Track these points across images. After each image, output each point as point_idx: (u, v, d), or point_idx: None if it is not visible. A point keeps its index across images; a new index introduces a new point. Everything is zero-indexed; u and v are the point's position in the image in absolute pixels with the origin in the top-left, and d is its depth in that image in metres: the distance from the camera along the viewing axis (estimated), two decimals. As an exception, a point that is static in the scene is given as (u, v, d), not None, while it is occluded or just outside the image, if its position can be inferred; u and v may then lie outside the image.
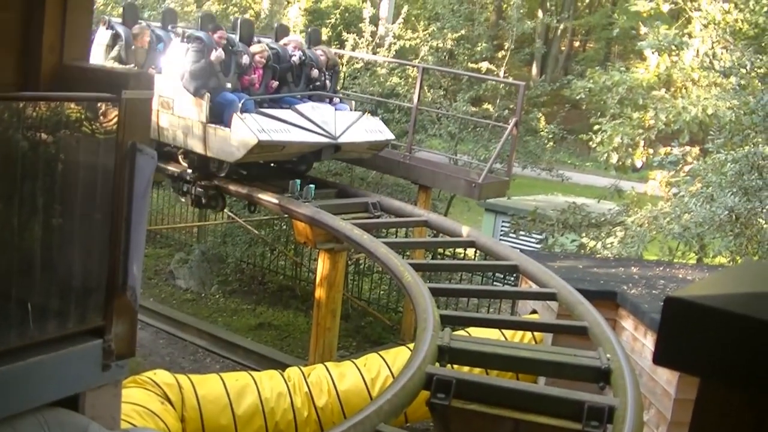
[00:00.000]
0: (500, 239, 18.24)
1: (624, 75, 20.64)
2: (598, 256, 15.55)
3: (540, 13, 31.24)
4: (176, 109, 13.83)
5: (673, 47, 18.83)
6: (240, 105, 12.93)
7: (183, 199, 15.48)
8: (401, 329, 16.19)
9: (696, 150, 18.48)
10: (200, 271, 19.53)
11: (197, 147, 13.70)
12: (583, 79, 21.75)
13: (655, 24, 19.73)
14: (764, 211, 14.26)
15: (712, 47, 17.81)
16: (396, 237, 16.04)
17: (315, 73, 14.98)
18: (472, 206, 22.75)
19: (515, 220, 18.22)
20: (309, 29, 17.52)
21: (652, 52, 19.59)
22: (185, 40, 13.87)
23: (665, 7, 22.04)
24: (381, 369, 10.77)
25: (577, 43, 38.02)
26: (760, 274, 1.53)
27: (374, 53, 22.19)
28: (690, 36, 19.30)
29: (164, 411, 9.24)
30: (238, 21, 15.40)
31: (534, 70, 34.82)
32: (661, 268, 12.93)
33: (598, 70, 22.03)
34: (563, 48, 35.46)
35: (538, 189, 26.13)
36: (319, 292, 13.27)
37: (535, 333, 11.30)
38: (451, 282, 16.96)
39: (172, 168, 14.74)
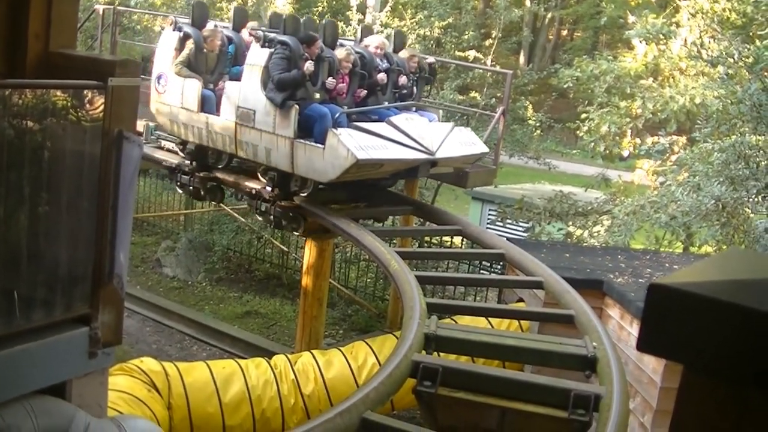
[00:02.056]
0: (487, 227, 18.22)
1: (611, 64, 20.67)
2: (584, 244, 15.59)
3: (527, 2, 31.22)
4: (258, 121, 12.22)
5: (661, 36, 18.85)
6: (333, 119, 11.66)
7: (260, 218, 13.92)
8: (388, 317, 16.19)
9: (683, 139, 18.52)
10: (187, 259, 19.51)
11: (282, 164, 12.12)
12: (570, 68, 21.77)
13: (643, 13, 19.77)
14: (751, 200, 14.31)
15: (700, 36, 17.82)
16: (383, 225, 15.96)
17: (403, 79, 13.39)
18: (459, 195, 22.79)
19: (502, 208, 18.23)
20: (393, 31, 15.83)
21: (640, 41, 19.63)
22: (267, 44, 12.32)
23: (653, -4, 22.08)
24: (367, 357, 10.81)
25: (564, 32, 38.05)
26: (745, 262, 1.54)
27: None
28: (678, 25, 19.33)
29: (151, 398, 9.25)
30: (324, 23, 13.74)
31: (521, 58, 34.87)
32: (648, 257, 12.98)
33: (586, 59, 22.05)
34: (551, 37, 35.50)
35: (526, 177, 26.16)
36: (306, 280, 13.26)
37: (522, 321, 11.33)
38: (437, 270, 16.97)
39: (249, 185, 13.15)
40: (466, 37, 25.69)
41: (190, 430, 9.74)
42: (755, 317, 1.22)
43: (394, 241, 15.35)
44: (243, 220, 19.42)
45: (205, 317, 16.57)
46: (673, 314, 1.28)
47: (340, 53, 12.56)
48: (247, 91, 12.34)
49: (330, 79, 12.25)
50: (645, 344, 1.32)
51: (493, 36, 28.59)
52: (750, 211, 14.53)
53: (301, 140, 11.68)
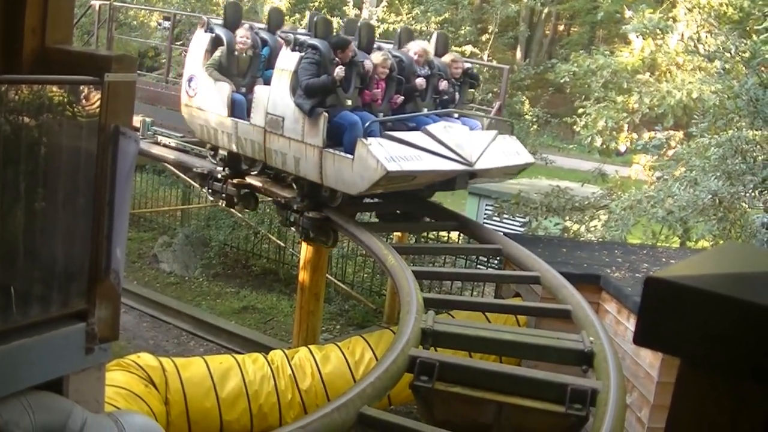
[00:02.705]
0: (484, 222, 18.21)
1: (608, 59, 20.67)
2: (581, 239, 15.61)
3: (524, -3, 31.19)
4: (287, 129, 11.60)
5: (658, 31, 18.85)
6: (364, 127, 10.97)
7: (293, 229, 13.35)
8: (385, 312, 16.21)
9: (680, 134, 18.54)
10: (184, 255, 19.51)
11: (311, 175, 11.49)
12: (567, 63, 21.77)
13: (640, 8, 19.73)
14: (747, 195, 14.33)
15: (697, 31, 17.84)
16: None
17: (444, 85, 12.57)
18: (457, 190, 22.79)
19: (499, 203, 18.21)
20: (436, 33, 14.78)
21: (637, 36, 19.62)
22: (297, 48, 11.65)
23: (650, -9, 22.09)
24: (364, 352, 10.81)
25: (561, 27, 38.06)
26: (741, 256, 1.54)
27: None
28: (675, 20, 19.32)
29: (148, 394, 9.26)
30: (359, 25, 13.16)
31: (518, 53, 34.88)
32: (645, 252, 13.00)
33: (583, 53, 22.04)
34: (547, 32, 35.52)
35: (522, 173, 26.16)
36: (303, 276, 13.27)
37: (519, 316, 11.33)
38: (434, 265, 16.97)
39: (279, 193, 12.68)
40: (462, 32, 25.76)
41: (188, 425, 9.74)
42: (752, 310, 1.22)
43: (391, 237, 15.36)
44: (240, 215, 19.41)
45: (202, 313, 16.58)
46: (669, 307, 1.28)
47: (376, 57, 11.84)
48: (276, 97, 11.78)
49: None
50: (642, 338, 1.32)
51: (490, 31, 28.65)
52: (747, 206, 14.55)
53: (330, 150, 11.05)
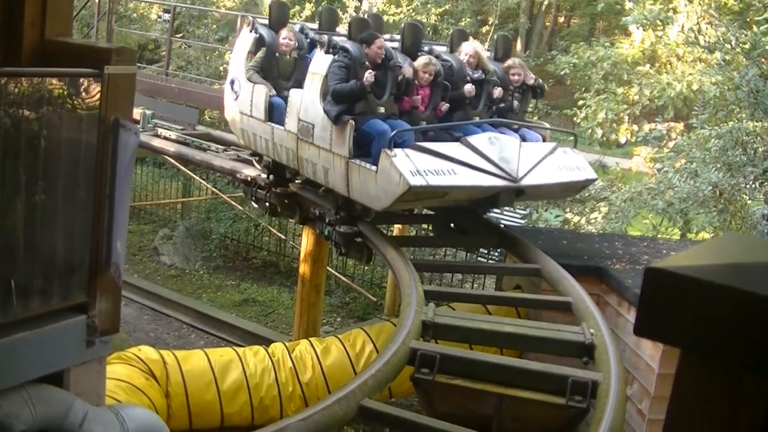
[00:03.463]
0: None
1: (609, 50, 20.70)
2: (582, 231, 15.61)
3: (525, -11, 31.18)
4: (316, 137, 10.84)
5: (658, 22, 18.87)
6: (390, 137, 9.85)
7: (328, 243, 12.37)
8: (385, 305, 16.22)
9: (680, 126, 18.56)
10: (184, 248, 19.53)
11: (339, 187, 10.70)
12: (567, 55, 21.81)
13: (640, -1, 19.73)
14: (748, 186, 14.34)
15: (697, 22, 17.85)
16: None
17: (498, 92, 11.42)
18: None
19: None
20: (497, 35, 13.66)
21: (637, 28, 19.65)
22: (330, 50, 10.83)
23: (650, -18, 22.05)
24: (365, 344, 10.81)
25: (561, 19, 37.98)
26: (741, 247, 1.54)
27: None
28: (675, 11, 19.32)
29: (149, 386, 9.26)
30: (403, 26, 12.26)
31: (518, 45, 34.76)
32: (645, 244, 12.99)
33: (583, 45, 22.07)
34: (548, 23, 35.45)
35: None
36: (303, 268, 13.27)
37: (519, 308, 11.33)
38: (435, 257, 16.97)
39: (317, 203, 11.99)
40: (462, 23, 25.76)
41: (188, 418, 9.75)
42: (752, 301, 1.22)
43: (391, 228, 15.35)
44: (240, 207, 19.43)
45: (203, 305, 16.60)
46: (669, 298, 1.28)
47: (419, 61, 11.02)
48: (308, 102, 11.02)
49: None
50: (642, 328, 1.32)
51: (490, 23, 28.63)
52: (747, 198, 14.56)
53: (356, 161, 10.20)
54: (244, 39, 12.75)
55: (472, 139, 10.25)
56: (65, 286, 5.09)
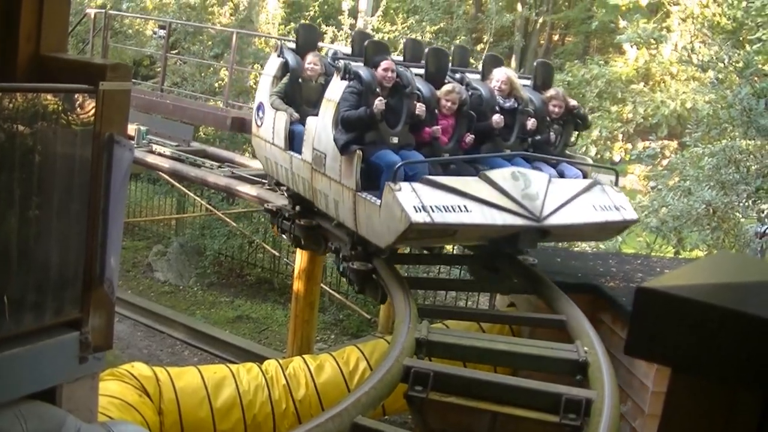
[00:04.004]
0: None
1: (603, 68, 20.78)
2: (576, 249, 15.61)
3: (519, 7, 31.27)
4: (328, 167, 10.21)
5: (652, 41, 18.96)
6: (395, 169, 9.08)
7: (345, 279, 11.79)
8: (379, 322, 16.20)
9: (674, 144, 18.62)
10: (178, 264, 19.52)
11: (348, 221, 10.03)
12: (562, 73, 21.84)
13: (634, 18, 19.82)
14: (741, 204, 14.36)
15: (691, 41, 17.93)
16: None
17: (531, 123, 10.59)
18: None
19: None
20: (537, 62, 12.79)
21: (631, 46, 19.73)
22: (346, 76, 10.14)
23: (644, 1, 22.15)
24: (359, 361, 10.79)
25: (556, 37, 38.08)
26: (732, 265, 1.54)
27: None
28: (668, 30, 19.44)
29: (142, 403, 9.23)
30: (427, 51, 11.14)
31: (513, 63, 34.84)
32: (639, 262, 13.00)
33: (577, 63, 22.15)
34: (542, 41, 35.53)
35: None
36: (298, 285, 13.26)
37: (513, 326, 11.32)
38: (429, 274, 16.95)
39: (333, 236, 11.44)
40: (457, 41, 25.75)
41: (181, 435, 9.72)
42: (742, 320, 1.23)
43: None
44: (234, 224, 19.42)
45: (197, 322, 16.58)
46: (660, 317, 1.29)
47: (444, 89, 10.27)
48: (320, 130, 10.36)
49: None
50: (633, 348, 1.32)
51: (485, 40, 28.69)
52: (740, 216, 14.59)
53: (362, 194, 9.48)
54: (271, 64, 12.22)
55: (493, 174, 9.39)
56: (58, 301, 5.09)
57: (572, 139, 11.58)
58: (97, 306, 5.22)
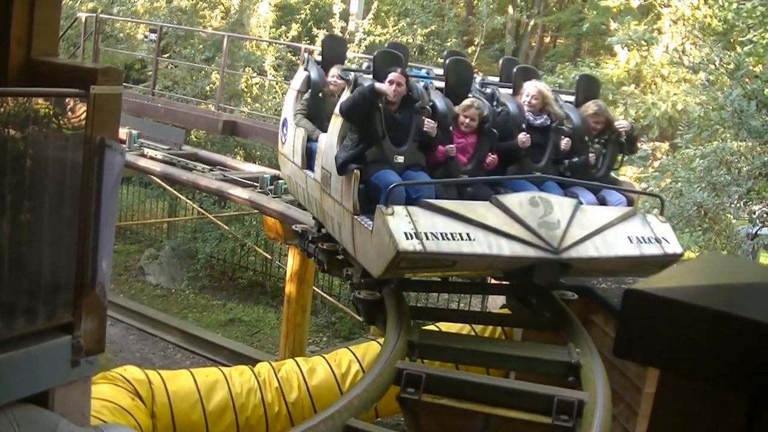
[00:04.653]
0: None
1: (594, 71, 20.78)
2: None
3: (510, 9, 31.33)
4: (332, 187, 9.43)
5: (643, 43, 18.99)
6: (386, 191, 8.13)
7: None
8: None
9: (665, 145, 18.65)
10: (170, 267, 19.51)
11: (349, 245, 9.25)
12: (553, 75, 21.85)
13: (626, 20, 19.85)
14: (732, 206, 14.39)
15: (682, 43, 17.97)
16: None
17: (564, 143, 9.51)
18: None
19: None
20: (579, 76, 11.78)
21: (622, 48, 19.74)
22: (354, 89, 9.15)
23: (635, 3, 22.17)
24: (351, 364, 10.78)
25: (547, 39, 38.14)
26: (720, 267, 1.55)
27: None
28: (659, 32, 19.47)
29: (134, 407, 9.22)
30: (447, 62, 10.38)
31: (504, 65, 35.03)
32: (631, 263, 12.99)
33: (568, 65, 22.16)
34: (533, 44, 35.58)
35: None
36: (290, 288, 13.26)
37: (506, 328, 11.32)
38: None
39: (351, 262, 10.19)
40: (449, 44, 25.83)
41: (174, 438, 9.72)
42: (729, 321, 1.23)
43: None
44: (226, 227, 19.41)
45: (189, 325, 16.56)
46: (648, 319, 1.30)
47: (461, 104, 9.37)
48: (328, 147, 9.56)
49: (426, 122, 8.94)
50: (621, 350, 1.33)
51: (476, 43, 28.68)
52: (732, 217, 14.63)
53: (359, 217, 8.62)
54: (297, 78, 11.51)
55: (506, 198, 8.38)
56: (50, 305, 5.08)
57: (617, 161, 10.17)
58: (89, 310, 5.21)
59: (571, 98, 10.64)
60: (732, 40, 18.56)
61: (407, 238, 7.79)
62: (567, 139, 9.55)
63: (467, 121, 9.24)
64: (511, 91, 10.33)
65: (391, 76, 8.98)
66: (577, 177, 9.44)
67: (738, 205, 14.39)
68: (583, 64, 22.65)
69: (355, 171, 8.68)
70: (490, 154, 9.27)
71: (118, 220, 15.91)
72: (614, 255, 8.52)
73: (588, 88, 10.63)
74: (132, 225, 22.41)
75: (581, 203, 8.76)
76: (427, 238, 7.88)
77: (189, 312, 17.78)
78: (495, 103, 9.88)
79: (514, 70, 10.68)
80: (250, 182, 14.37)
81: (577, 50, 33.23)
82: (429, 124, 8.90)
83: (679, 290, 1.30)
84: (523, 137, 9.28)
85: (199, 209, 19.93)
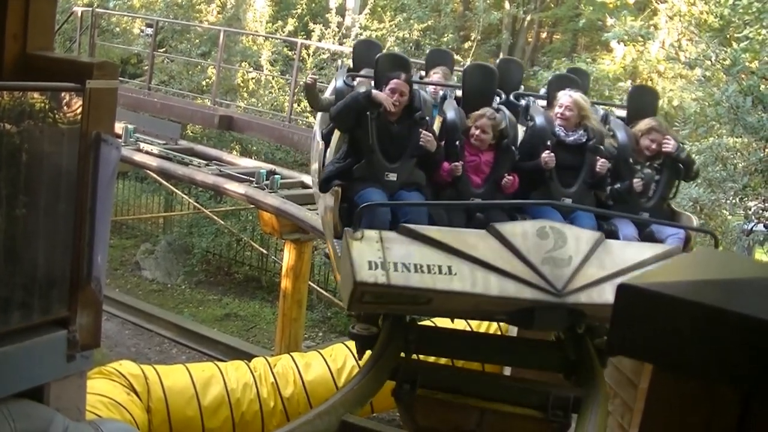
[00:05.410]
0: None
1: (590, 66, 20.75)
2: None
3: (507, 5, 31.29)
4: (320, 206, 8.87)
5: (639, 39, 18.96)
6: (357, 212, 7.14)
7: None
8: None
9: (661, 141, 18.58)
10: (166, 262, 19.49)
11: (334, 270, 8.43)
12: (549, 71, 21.83)
13: (622, 15, 19.84)
14: (728, 202, 14.39)
15: (678, 39, 17.95)
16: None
17: (601, 164, 7.95)
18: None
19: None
20: (633, 87, 10.22)
21: (618, 44, 19.72)
22: None
23: (631, -1, 22.17)
24: (347, 359, 10.80)
25: (543, 35, 38.12)
26: (713, 263, 1.55)
27: (340, 44, 22.16)
28: (656, 28, 19.44)
29: (130, 402, 9.23)
30: (465, 68, 9.30)
31: (501, 61, 35.10)
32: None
33: (565, 61, 22.14)
34: (530, 39, 35.55)
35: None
36: (285, 283, 13.26)
37: (501, 324, 11.33)
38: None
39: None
40: (445, 39, 25.79)
41: (170, 433, 9.72)
42: (722, 317, 1.24)
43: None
44: (222, 222, 19.40)
45: (185, 320, 16.55)
46: (641, 315, 1.30)
47: (473, 114, 8.15)
48: (327, 160, 8.62)
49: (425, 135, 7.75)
50: (615, 345, 1.33)
51: (473, 38, 28.66)
52: (727, 213, 14.62)
53: (336, 240, 7.53)
54: (330, 87, 10.33)
55: (507, 228, 7.19)
56: (46, 300, 5.08)
57: (673, 188, 8.54)
58: (85, 304, 5.21)
59: (623, 113, 9.24)
60: (728, 36, 18.55)
61: (370, 268, 6.79)
62: (603, 160, 7.98)
63: (477, 132, 7.98)
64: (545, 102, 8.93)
65: (393, 83, 7.86)
66: (621, 207, 8.03)
67: (734, 201, 14.38)
68: (580, 59, 22.63)
69: (337, 188, 7.64)
70: (509, 174, 7.93)
71: (113, 214, 15.91)
72: None
73: (642, 101, 9.16)
74: (128, 220, 22.39)
75: (618, 237, 7.56)
76: (396, 270, 6.83)
77: (185, 307, 17.77)
78: (528, 117, 8.60)
79: (549, 78, 9.19)
80: (246, 177, 14.36)
81: (573, 46, 33.20)
82: (425, 137, 7.73)
83: (673, 286, 1.30)
84: (546, 156, 7.88)
85: (195, 204, 19.92)
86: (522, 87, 9.96)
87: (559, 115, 8.22)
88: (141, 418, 9.28)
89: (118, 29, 25.43)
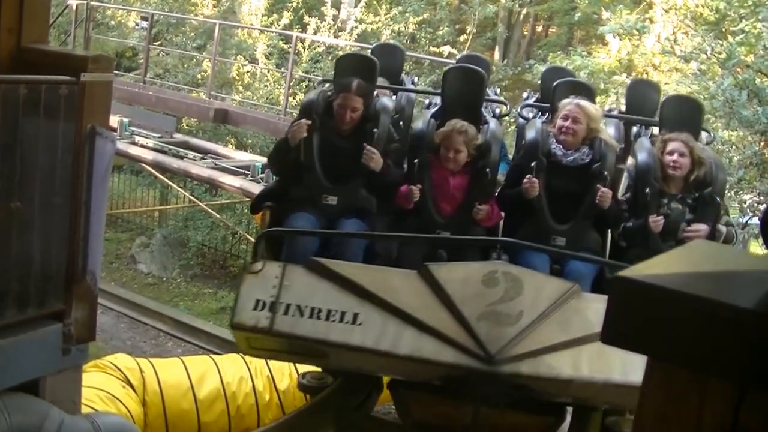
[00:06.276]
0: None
1: (586, 60, 20.76)
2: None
3: (502, -2, 31.37)
4: None
5: (635, 32, 18.97)
6: (258, 237, 6.79)
7: None
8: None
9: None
10: (162, 255, 19.47)
11: None
12: (545, 64, 21.83)
13: (617, 9, 19.85)
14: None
15: (674, 32, 17.96)
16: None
17: (600, 194, 6.51)
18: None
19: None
20: (666, 97, 8.05)
21: (614, 37, 19.72)
22: None
23: (627, -8, 22.18)
24: (343, 353, 10.78)
25: (539, 28, 38.11)
26: (707, 255, 1.56)
27: (336, 37, 22.15)
28: (651, 21, 19.45)
29: (125, 395, 9.22)
30: (446, 70, 7.87)
31: (496, 54, 34.98)
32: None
33: (560, 54, 22.15)
34: (525, 32, 35.55)
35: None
36: (281, 276, 13.23)
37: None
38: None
39: None
40: (440, 32, 25.81)
41: (165, 427, 9.71)
42: (716, 309, 1.24)
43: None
44: (217, 216, 19.38)
45: (180, 313, 16.53)
46: (636, 307, 1.30)
47: (442, 129, 6.84)
48: None
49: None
50: (609, 337, 1.34)
51: (468, 32, 28.68)
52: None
53: None
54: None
55: (443, 270, 6.02)
56: (41, 293, 5.08)
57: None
58: (80, 298, 5.21)
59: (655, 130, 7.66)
60: (724, 30, 18.56)
61: (255, 308, 5.94)
62: (605, 189, 6.55)
63: (445, 152, 6.72)
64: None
65: (340, 98, 6.78)
66: (636, 251, 6.49)
67: (729, 194, 14.42)
68: (575, 53, 22.61)
69: (266, 211, 6.89)
70: (487, 202, 6.76)
71: (109, 208, 15.89)
72: (603, 379, 5.62)
73: (642, 96, 8.01)
74: (123, 213, 22.36)
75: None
76: (285, 313, 5.90)
77: (180, 300, 17.75)
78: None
79: (554, 84, 7.55)
80: (241, 170, 14.35)
81: (569, 39, 33.22)
82: (368, 153, 6.60)
83: (668, 277, 1.31)
84: (526, 182, 6.58)
85: (191, 197, 19.89)
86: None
87: (563, 129, 6.78)
88: (136, 411, 9.28)
89: (113, 22, 25.39)
